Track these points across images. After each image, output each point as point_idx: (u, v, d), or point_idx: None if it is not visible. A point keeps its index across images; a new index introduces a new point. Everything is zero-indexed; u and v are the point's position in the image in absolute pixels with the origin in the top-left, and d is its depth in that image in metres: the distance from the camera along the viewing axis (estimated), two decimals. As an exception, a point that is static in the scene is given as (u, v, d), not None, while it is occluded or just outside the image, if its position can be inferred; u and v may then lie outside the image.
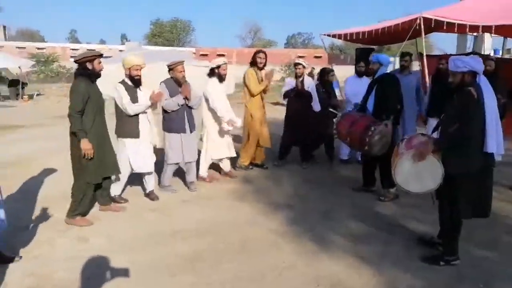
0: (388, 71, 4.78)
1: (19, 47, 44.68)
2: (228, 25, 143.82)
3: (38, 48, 44.81)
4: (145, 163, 4.42)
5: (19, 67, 19.11)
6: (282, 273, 3.05)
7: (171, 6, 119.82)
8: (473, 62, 2.91)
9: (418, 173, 3.09)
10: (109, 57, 27.49)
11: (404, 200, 4.51)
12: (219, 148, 5.31)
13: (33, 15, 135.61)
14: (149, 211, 4.28)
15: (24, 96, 17.22)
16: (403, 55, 5.71)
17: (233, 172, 5.62)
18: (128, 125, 4.26)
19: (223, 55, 42.99)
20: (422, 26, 7.61)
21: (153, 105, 4.39)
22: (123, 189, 4.61)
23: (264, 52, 5.60)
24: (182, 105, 4.65)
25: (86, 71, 3.75)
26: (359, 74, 6.05)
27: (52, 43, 51.85)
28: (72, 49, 49.79)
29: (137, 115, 4.28)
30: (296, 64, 5.83)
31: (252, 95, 5.52)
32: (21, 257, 3.17)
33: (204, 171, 5.34)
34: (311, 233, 3.75)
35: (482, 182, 3.00)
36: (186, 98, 4.63)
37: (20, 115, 11.69)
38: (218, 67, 5.07)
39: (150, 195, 4.62)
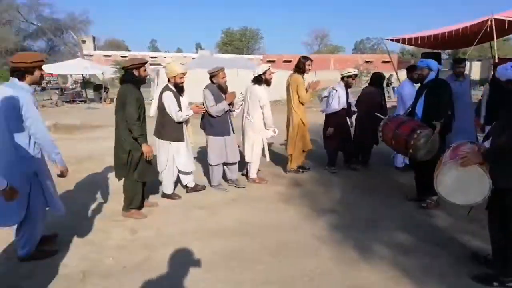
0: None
1: (105, 56, 49.29)
2: (294, 32, 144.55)
3: (122, 56, 48.92)
4: (187, 163, 4.69)
5: (102, 74, 21.07)
6: (314, 278, 3.01)
7: (241, 15, 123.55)
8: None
9: (463, 184, 2.85)
10: (183, 64, 29.23)
11: (462, 212, 4.18)
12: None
13: (119, 27, 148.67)
14: (198, 208, 4.48)
15: (106, 99, 19.00)
16: (459, 61, 5.38)
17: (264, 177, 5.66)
18: (175, 130, 4.56)
19: (289, 62, 43.30)
20: (494, 29, 7.00)
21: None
22: (175, 187, 4.90)
23: (311, 60, 5.61)
24: (227, 111, 4.87)
25: (133, 77, 4.02)
26: (413, 80, 5.71)
27: (134, 52, 56.31)
28: (151, 57, 53.59)
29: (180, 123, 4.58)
30: (348, 77, 5.81)
31: (302, 103, 5.53)
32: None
33: (253, 172, 5.45)
34: (353, 241, 3.64)
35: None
36: (230, 103, 4.83)
37: (101, 116, 12.88)
38: (264, 73, 5.16)
39: (176, 194, 4.85)
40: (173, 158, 4.61)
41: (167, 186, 4.74)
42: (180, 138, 4.59)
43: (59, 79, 26.35)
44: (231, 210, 4.49)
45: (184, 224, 4.05)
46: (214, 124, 4.90)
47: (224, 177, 5.30)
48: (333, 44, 64.53)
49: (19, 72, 2.97)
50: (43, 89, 22.98)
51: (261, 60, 47.07)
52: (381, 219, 4.16)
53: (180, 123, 4.56)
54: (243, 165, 5.56)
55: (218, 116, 4.84)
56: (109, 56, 49.17)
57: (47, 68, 22.38)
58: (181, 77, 4.52)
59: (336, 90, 5.74)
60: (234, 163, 5.15)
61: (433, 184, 3.01)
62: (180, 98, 4.58)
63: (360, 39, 74.74)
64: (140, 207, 4.30)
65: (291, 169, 5.83)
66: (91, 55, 46.19)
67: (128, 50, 63.21)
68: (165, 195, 4.77)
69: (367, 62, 40.04)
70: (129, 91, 3.95)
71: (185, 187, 5.01)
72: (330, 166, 5.98)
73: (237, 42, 58.09)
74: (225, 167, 5.20)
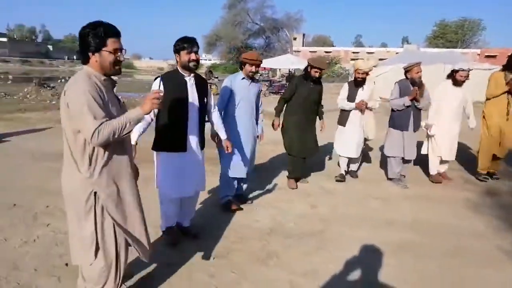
0: None
1: (311, 51, 52.59)
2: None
3: (326, 52, 51.20)
4: (351, 149, 5.11)
5: (301, 69, 22.85)
6: None
7: (458, 6, 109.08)
8: None
9: None
10: (385, 59, 28.50)
11: None
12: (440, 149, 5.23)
13: (327, 24, 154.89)
14: (373, 199, 4.67)
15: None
16: None
17: (447, 175, 5.48)
18: (342, 117, 5.14)
19: (518, 56, 35.95)
20: None
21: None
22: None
23: None
24: (408, 106, 4.82)
25: (306, 73, 4.77)
26: None
27: (338, 48, 57.97)
28: (353, 52, 54.13)
29: (345, 110, 5.06)
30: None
31: (487, 98, 5.19)
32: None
33: (432, 168, 5.35)
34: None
35: None
36: (414, 99, 4.75)
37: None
38: (456, 71, 5.03)
39: (351, 173, 5.49)
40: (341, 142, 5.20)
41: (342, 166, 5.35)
42: (341, 123, 5.17)
43: (270, 73, 29.87)
44: (406, 205, 4.50)
45: (359, 209, 4.33)
46: (394, 117, 5.07)
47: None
48: None
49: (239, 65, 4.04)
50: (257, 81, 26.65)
51: (478, 55, 40.93)
52: None
53: (346, 112, 5.06)
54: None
55: (397, 110, 4.93)
56: (315, 51, 52.24)
57: (265, 63, 25.80)
58: (359, 72, 4.86)
59: None
60: (409, 161, 5.15)
61: None
62: (359, 90, 4.97)
63: None
64: (296, 179, 5.05)
65: (479, 171, 5.48)
66: (299, 51, 50.19)
67: (333, 46, 65.44)
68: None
69: None
70: (292, 81, 4.91)
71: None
72: None
73: (451, 35, 52.09)
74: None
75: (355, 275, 2.97)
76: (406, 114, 4.92)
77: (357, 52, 53.70)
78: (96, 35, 2.00)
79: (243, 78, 3.94)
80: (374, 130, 5.10)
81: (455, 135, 5.21)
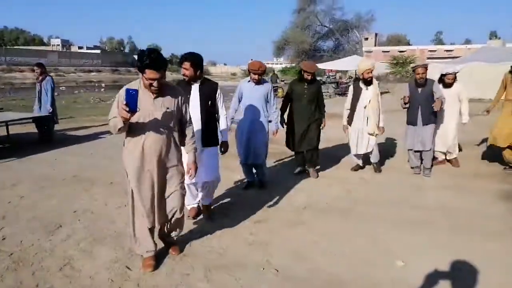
0: None
1: (384, 51, 51.07)
2: None
3: (400, 51, 49.34)
4: (361, 146, 5.57)
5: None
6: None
7: None
8: None
9: None
10: (457, 57, 26.96)
11: None
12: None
13: (403, 22, 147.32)
14: (406, 187, 5.17)
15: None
16: None
17: (457, 161, 6.04)
18: (350, 116, 5.61)
19: None
20: None
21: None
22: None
23: None
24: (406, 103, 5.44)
25: (299, 75, 5.34)
26: None
27: (414, 46, 55.42)
28: (430, 51, 51.40)
29: (349, 110, 5.57)
30: None
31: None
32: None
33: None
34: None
35: None
36: (405, 103, 5.40)
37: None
38: (444, 75, 5.62)
39: (375, 166, 5.84)
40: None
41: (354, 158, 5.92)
42: (348, 123, 5.64)
43: (337, 75, 29.97)
44: (438, 193, 4.95)
45: (389, 195, 4.85)
46: (407, 114, 5.61)
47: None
48: None
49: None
50: (323, 83, 26.95)
51: None
52: None
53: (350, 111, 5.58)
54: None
55: (405, 108, 5.56)
56: (388, 51, 50.61)
57: (328, 65, 26.10)
58: (368, 73, 5.26)
59: None
60: (422, 151, 5.58)
61: None
62: (363, 90, 5.41)
63: None
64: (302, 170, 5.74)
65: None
66: (370, 51, 49.11)
67: (409, 44, 62.68)
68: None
69: None
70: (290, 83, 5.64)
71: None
72: None
73: (546, 28, 46.95)
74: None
75: (366, 238, 3.59)
76: (414, 111, 5.44)
77: (434, 51, 50.91)
78: (141, 62, 2.58)
79: (249, 81, 4.75)
80: (375, 126, 5.43)
81: (451, 129, 5.81)
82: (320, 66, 23.39)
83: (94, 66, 64.14)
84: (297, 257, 3.27)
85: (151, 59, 2.56)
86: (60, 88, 26.94)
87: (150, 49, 2.68)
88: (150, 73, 2.60)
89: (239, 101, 4.79)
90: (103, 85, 29.79)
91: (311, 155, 5.48)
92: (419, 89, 5.37)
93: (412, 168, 5.78)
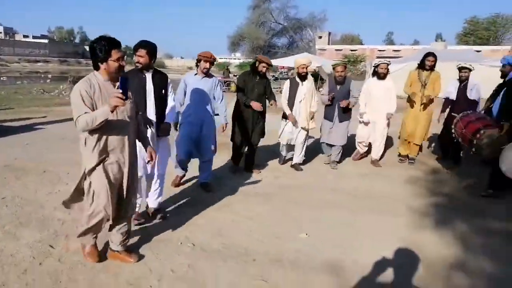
0: None
1: (337, 50, 52.71)
2: None
3: (351, 50, 51.21)
4: (297, 139, 5.70)
5: (318, 66, 23.54)
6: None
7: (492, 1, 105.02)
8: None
9: None
10: (399, 57, 28.69)
11: None
12: (364, 136, 6.22)
13: (356, 22, 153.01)
14: (330, 174, 5.67)
15: (320, 88, 21.33)
16: None
17: (379, 163, 6.23)
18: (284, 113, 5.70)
19: (550, 53, 34.83)
20: None
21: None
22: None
23: (434, 56, 5.69)
24: (330, 101, 5.67)
25: (253, 67, 5.30)
26: None
27: (364, 46, 57.61)
28: (379, 50, 53.72)
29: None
30: (460, 69, 5.72)
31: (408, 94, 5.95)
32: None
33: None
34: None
35: None
36: (330, 100, 5.65)
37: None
38: (377, 66, 5.83)
39: (295, 166, 5.87)
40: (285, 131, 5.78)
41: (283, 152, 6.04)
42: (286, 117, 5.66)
43: (289, 72, 30.70)
44: (358, 179, 5.48)
45: (314, 181, 5.31)
46: (325, 109, 5.92)
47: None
48: None
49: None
50: (276, 79, 27.52)
51: (509, 51, 39.87)
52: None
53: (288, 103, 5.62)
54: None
55: (326, 104, 5.81)
56: (340, 50, 52.31)
57: (281, 62, 26.68)
58: (303, 68, 5.42)
59: None
60: (335, 145, 5.92)
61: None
62: (299, 85, 5.53)
63: None
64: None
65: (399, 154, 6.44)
66: (324, 49, 50.51)
67: (361, 44, 65.08)
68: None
69: None
70: (240, 76, 5.33)
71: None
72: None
73: (482, 32, 50.76)
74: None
75: (280, 217, 4.00)
76: (332, 107, 5.75)
77: (383, 50, 53.25)
78: (103, 47, 2.55)
79: (196, 74, 4.54)
80: (306, 121, 5.64)
81: (382, 124, 5.97)
82: (274, 62, 23.87)
83: (41, 56, 60.88)
84: (216, 234, 3.59)
85: (111, 39, 2.58)
86: (1, 78, 25.50)
87: (102, 35, 2.66)
88: (116, 53, 2.60)
89: (185, 95, 4.54)
90: (49, 76, 28.50)
91: (252, 154, 5.59)
92: (338, 87, 5.72)
93: (327, 156, 6.18)
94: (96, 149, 2.67)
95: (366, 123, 6.03)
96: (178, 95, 4.47)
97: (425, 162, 6.36)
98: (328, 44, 58.29)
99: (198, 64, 4.51)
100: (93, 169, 2.70)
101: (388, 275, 2.98)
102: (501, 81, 4.77)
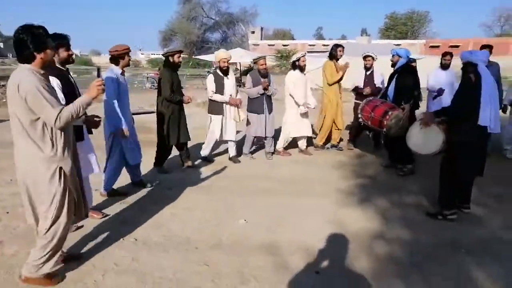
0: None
1: (270, 45, 53.69)
2: (472, 13, 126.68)
3: (283, 45, 52.46)
4: (228, 133, 5.78)
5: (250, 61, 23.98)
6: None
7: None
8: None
9: (424, 139, 4.07)
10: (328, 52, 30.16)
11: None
12: (299, 128, 6.26)
13: (287, 17, 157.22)
14: (265, 164, 5.94)
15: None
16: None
17: (309, 151, 6.56)
18: (215, 106, 5.64)
19: (456, 47, 38.99)
20: None
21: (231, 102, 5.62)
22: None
23: (343, 47, 6.24)
24: (262, 94, 5.74)
25: (169, 63, 5.06)
26: (443, 67, 6.42)
27: (296, 41, 59.37)
28: (310, 45, 55.73)
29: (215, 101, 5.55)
30: (365, 57, 6.41)
31: (329, 84, 6.29)
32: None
33: (280, 146, 6.43)
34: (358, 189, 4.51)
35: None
36: (265, 88, 5.67)
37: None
38: (298, 59, 6.04)
39: (233, 159, 5.98)
40: (214, 129, 5.70)
41: (204, 151, 5.93)
42: (219, 112, 5.62)
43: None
44: (292, 167, 5.82)
45: (252, 171, 5.55)
46: (251, 103, 5.90)
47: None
48: (518, 26, 54.61)
49: (114, 59, 4.17)
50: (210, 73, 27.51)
51: (424, 45, 43.82)
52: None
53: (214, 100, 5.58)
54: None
55: (253, 97, 5.79)
56: (273, 45, 53.40)
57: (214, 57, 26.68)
58: (224, 61, 5.43)
59: None
60: (268, 137, 6.04)
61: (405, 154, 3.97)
62: (225, 79, 5.57)
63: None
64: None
65: (317, 143, 6.79)
66: (257, 44, 51.27)
67: (293, 39, 66.98)
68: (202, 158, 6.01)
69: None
70: (163, 73, 5.07)
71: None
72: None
73: (401, 27, 54.99)
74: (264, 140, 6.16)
75: (218, 206, 4.18)
76: (260, 100, 5.80)
77: (314, 45, 55.40)
78: (39, 37, 2.31)
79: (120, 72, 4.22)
80: (242, 114, 5.82)
81: (305, 113, 6.20)
82: (208, 57, 23.81)
83: None
84: (156, 227, 3.66)
85: (41, 26, 2.37)
86: None
87: (24, 24, 2.36)
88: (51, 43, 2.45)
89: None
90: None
91: (186, 149, 5.56)
92: (262, 80, 5.71)
93: (249, 153, 6.25)
94: (63, 149, 2.50)
95: (303, 114, 6.17)
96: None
97: (351, 148, 6.90)
98: (261, 39, 59.24)
99: (120, 60, 4.20)
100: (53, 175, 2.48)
101: (320, 249, 3.29)
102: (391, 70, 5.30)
